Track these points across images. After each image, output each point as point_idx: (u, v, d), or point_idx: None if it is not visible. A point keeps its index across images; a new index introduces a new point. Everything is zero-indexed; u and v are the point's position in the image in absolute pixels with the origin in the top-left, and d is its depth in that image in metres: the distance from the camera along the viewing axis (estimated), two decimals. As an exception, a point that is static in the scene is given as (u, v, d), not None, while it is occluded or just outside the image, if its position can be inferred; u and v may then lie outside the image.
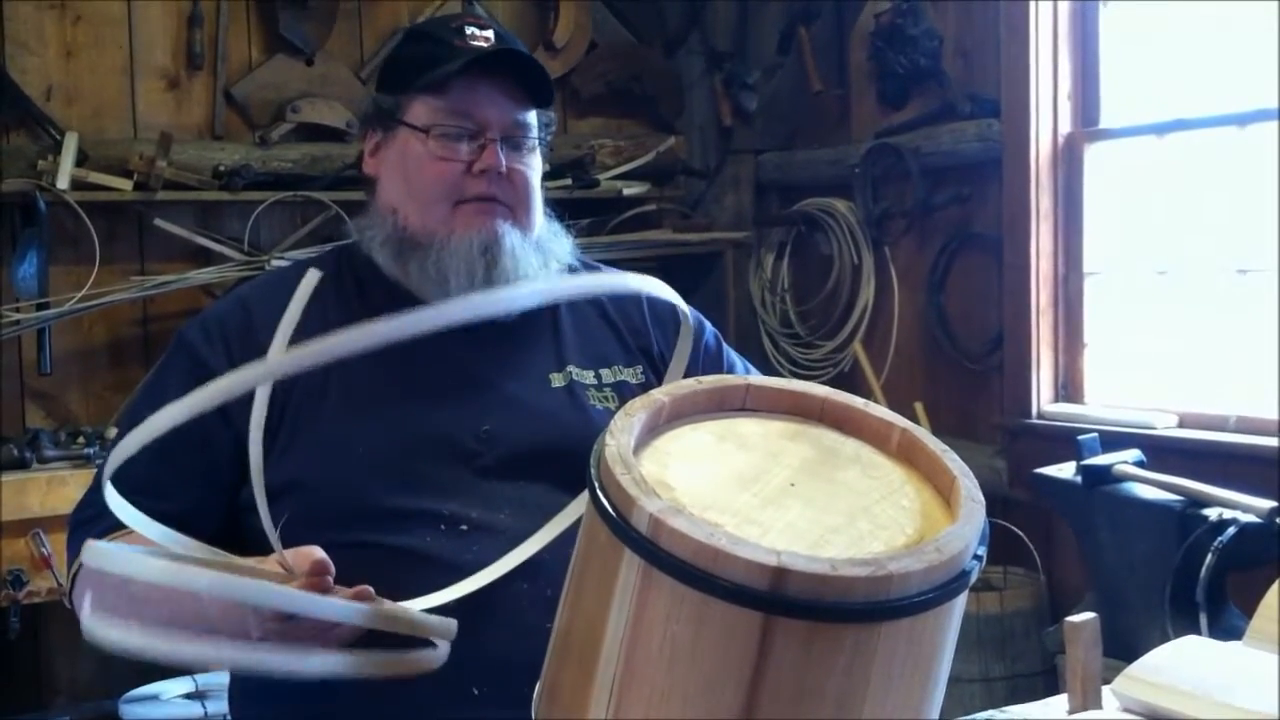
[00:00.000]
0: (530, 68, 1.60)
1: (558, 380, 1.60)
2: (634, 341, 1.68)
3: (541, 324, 1.65)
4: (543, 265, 1.62)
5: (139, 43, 3.77)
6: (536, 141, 1.63)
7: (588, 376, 1.61)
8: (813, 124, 4.28)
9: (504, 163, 1.57)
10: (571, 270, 1.71)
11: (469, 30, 1.60)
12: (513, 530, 1.47)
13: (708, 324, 1.75)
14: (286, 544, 1.38)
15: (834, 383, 1.14)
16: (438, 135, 1.57)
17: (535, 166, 1.63)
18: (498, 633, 1.41)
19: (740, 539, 0.87)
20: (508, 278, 1.56)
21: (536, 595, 1.40)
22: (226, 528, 1.51)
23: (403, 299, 1.57)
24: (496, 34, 1.61)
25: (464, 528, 1.46)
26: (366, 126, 1.67)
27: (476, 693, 1.41)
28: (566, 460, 1.29)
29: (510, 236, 1.58)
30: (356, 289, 1.62)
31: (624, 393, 1.60)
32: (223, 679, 3.27)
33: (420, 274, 1.58)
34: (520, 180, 1.60)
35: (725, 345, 1.75)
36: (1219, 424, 3.14)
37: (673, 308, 1.73)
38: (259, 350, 1.53)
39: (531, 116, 1.62)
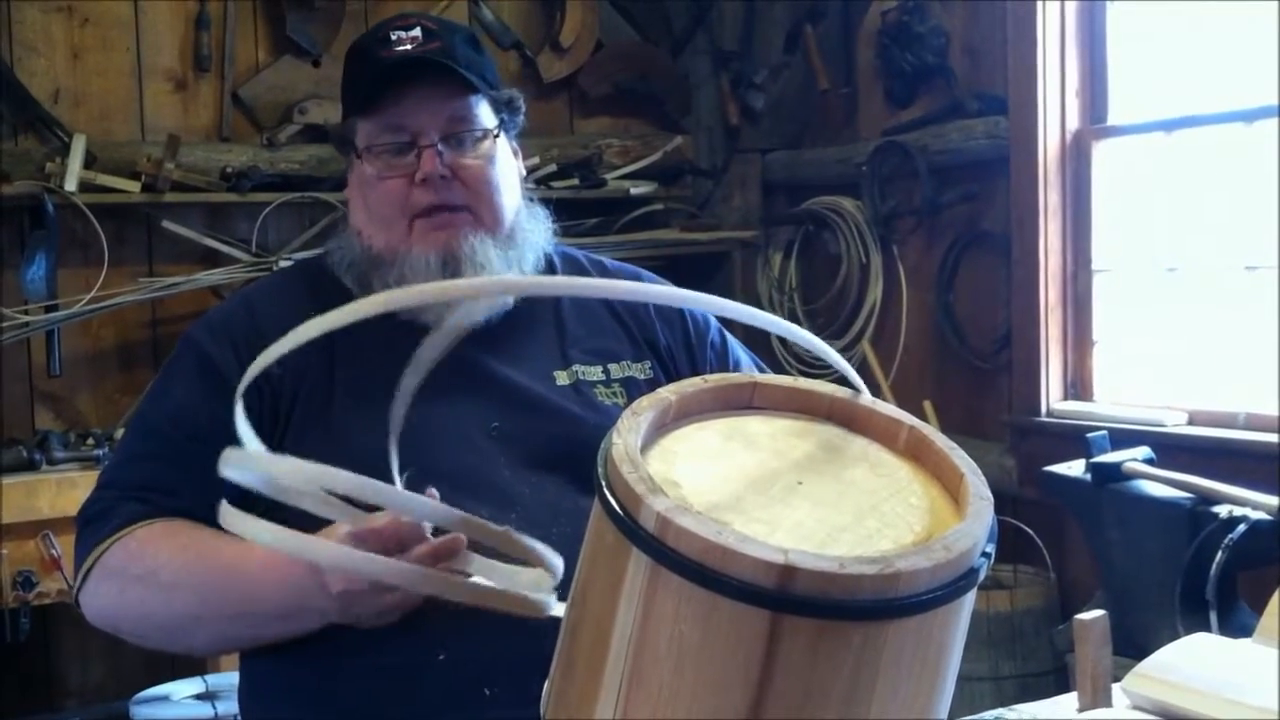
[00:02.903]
0: (453, 61, 1.54)
1: (562, 378, 1.59)
2: (641, 335, 1.66)
3: (544, 320, 1.63)
4: (516, 261, 1.59)
5: (146, 45, 3.78)
6: (487, 130, 1.58)
7: (595, 373, 1.60)
8: (820, 123, 4.28)
9: (443, 166, 1.53)
10: (551, 261, 1.68)
11: (395, 35, 1.56)
12: (523, 528, 1.47)
13: (713, 318, 1.74)
14: None
15: (842, 382, 1.13)
16: (375, 154, 1.56)
17: (491, 156, 1.58)
18: (508, 632, 1.41)
19: (748, 537, 0.87)
20: None
21: (546, 594, 1.40)
22: None
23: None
24: (425, 30, 1.57)
25: None
26: (340, 154, 1.66)
27: (488, 693, 1.41)
28: (579, 457, 1.30)
29: (470, 242, 1.55)
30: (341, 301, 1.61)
31: (632, 389, 1.58)
32: (232, 679, 3.28)
33: (384, 288, 1.56)
34: (472, 177, 1.56)
35: (730, 339, 1.74)
36: (1228, 421, 3.13)
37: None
38: (265, 349, 1.53)
39: (475, 107, 1.57)
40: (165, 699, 3.28)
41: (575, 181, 4.08)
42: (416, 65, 1.54)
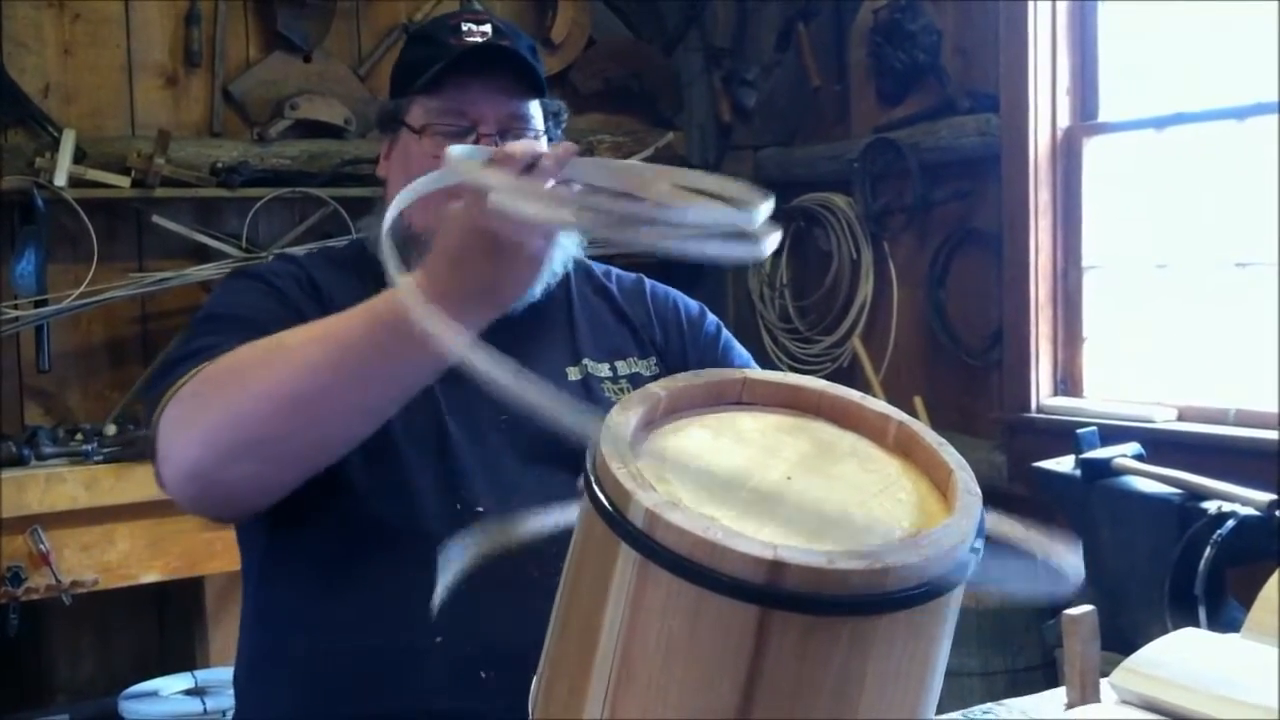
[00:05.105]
0: (520, 60, 1.60)
1: (573, 374, 1.61)
2: (645, 335, 1.69)
3: (556, 317, 1.66)
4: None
5: (137, 41, 3.77)
6: (540, 133, 1.62)
7: (603, 369, 1.63)
8: (812, 120, 4.28)
9: None
10: (578, 268, 1.72)
11: (465, 27, 1.61)
12: (524, 518, 1.47)
13: (709, 312, 1.76)
14: (303, 520, 1.37)
15: (833, 378, 1.13)
16: (432, 134, 1.58)
17: None
18: (506, 619, 1.41)
19: (736, 532, 0.87)
20: None
21: (547, 582, 1.39)
22: None
23: None
24: (495, 28, 1.62)
25: (480, 509, 1.47)
26: (380, 132, 1.69)
27: (484, 677, 1.42)
28: (583, 451, 1.30)
29: None
30: (375, 281, 1.61)
31: (637, 385, 1.59)
32: (221, 675, 3.28)
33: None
34: None
35: (725, 332, 1.75)
36: (1218, 417, 3.14)
37: (675, 303, 1.75)
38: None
39: (532, 108, 1.62)
40: (154, 694, 3.28)
41: (567, 177, 4.08)
42: (494, 54, 1.59)
